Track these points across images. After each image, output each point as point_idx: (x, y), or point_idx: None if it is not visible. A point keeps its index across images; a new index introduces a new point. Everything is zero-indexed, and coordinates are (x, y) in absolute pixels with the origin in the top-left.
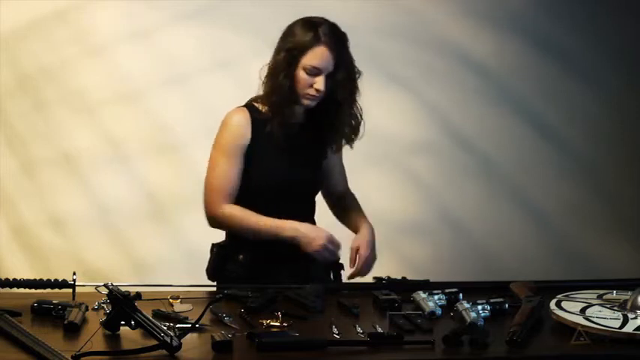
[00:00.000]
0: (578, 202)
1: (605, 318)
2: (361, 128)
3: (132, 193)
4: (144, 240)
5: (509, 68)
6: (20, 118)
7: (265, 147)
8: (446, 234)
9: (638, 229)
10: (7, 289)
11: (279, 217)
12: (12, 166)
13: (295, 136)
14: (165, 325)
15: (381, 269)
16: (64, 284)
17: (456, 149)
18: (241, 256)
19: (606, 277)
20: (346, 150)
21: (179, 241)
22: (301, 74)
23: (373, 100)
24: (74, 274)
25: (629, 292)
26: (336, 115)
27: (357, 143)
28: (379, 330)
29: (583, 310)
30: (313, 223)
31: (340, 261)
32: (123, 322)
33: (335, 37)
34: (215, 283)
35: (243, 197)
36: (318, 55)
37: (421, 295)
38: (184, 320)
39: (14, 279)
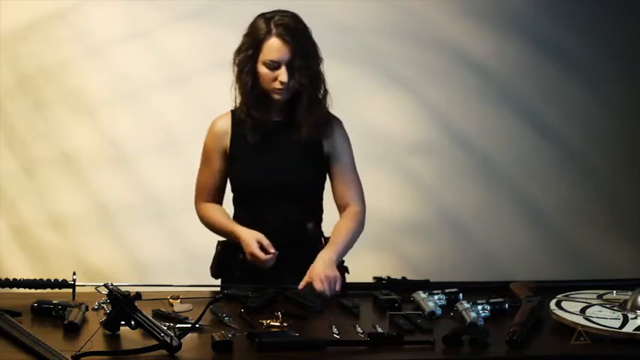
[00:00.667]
0: (578, 202)
1: (605, 318)
2: (334, 120)
3: (132, 193)
4: (144, 240)
5: (509, 68)
6: (20, 118)
7: (244, 148)
8: (446, 234)
9: (638, 229)
10: (7, 289)
11: (269, 219)
12: (12, 166)
13: (275, 135)
14: (165, 325)
15: (381, 269)
16: (64, 284)
17: (455, 149)
18: (242, 256)
19: (606, 277)
20: None
21: (179, 241)
22: (262, 70)
23: (373, 100)
24: (74, 274)
25: (629, 292)
26: (299, 105)
27: (357, 143)
28: (379, 330)
29: (583, 310)
30: (318, 224)
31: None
32: (123, 322)
33: (288, 27)
34: (215, 283)
35: (237, 199)
36: (272, 48)
37: (421, 295)
38: (184, 320)
39: (14, 279)
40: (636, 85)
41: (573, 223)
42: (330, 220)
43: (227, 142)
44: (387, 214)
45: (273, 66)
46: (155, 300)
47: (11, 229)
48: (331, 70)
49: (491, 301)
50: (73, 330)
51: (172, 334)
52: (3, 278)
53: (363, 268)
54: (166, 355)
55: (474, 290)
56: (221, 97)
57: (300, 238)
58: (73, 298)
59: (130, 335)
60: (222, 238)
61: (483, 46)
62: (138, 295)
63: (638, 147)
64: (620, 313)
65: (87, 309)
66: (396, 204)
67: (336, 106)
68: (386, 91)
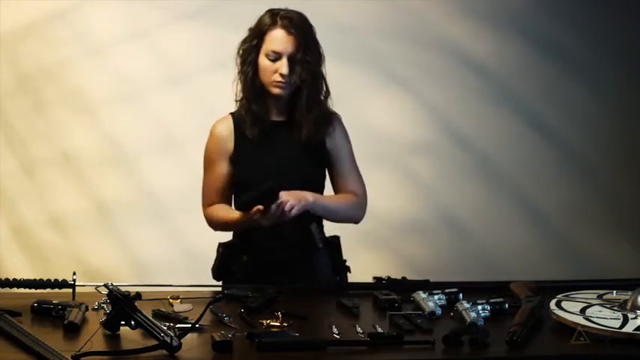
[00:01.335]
0: (578, 202)
1: (605, 318)
2: (335, 119)
3: (132, 193)
4: (144, 240)
5: (509, 68)
6: (20, 118)
7: (246, 149)
8: (446, 234)
9: (638, 229)
10: (7, 289)
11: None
12: (12, 166)
13: (276, 135)
14: (165, 325)
15: (381, 269)
16: (64, 284)
17: (455, 149)
18: (245, 257)
19: (606, 277)
20: None
21: (179, 241)
22: (264, 62)
23: (373, 100)
24: (74, 274)
25: (629, 292)
26: (298, 103)
27: (357, 143)
28: (379, 330)
29: (583, 310)
30: (321, 224)
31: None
32: (123, 322)
33: (294, 22)
34: (215, 283)
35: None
36: (275, 38)
37: (421, 295)
38: (184, 320)
39: (14, 279)
40: (636, 85)
41: (573, 223)
42: None
43: (231, 145)
44: (386, 213)
45: (275, 57)
46: (155, 300)
47: (11, 229)
48: (331, 70)
49: (491, 301)
50: (73, 330)
51: (172, 334)
52: (3, 278)
53: (363, 268)
54: (166, 355)
55: (473, 290)
56: (221, 97)
57: (303, 240)
58: (73, 298)
59: (130, 335)
60: (223, 240)
61: (483, 46)
62: (138, 295)
63: (638, 147)
64: (620, 313)
65: (87, 309)
66: (396, 204)
67: (337, 106)
68: (386, 91)
